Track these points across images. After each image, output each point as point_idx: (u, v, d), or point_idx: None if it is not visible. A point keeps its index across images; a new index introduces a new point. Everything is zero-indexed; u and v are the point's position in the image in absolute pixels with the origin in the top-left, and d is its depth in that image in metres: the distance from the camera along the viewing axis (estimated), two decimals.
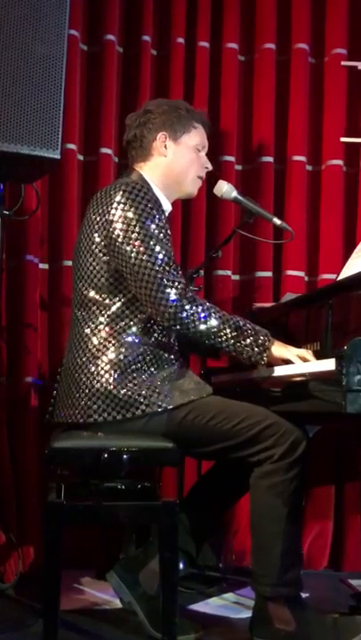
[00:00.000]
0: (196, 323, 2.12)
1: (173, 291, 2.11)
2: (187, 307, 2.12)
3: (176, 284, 2.12)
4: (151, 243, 2.14)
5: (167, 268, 2.13)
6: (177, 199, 2.49)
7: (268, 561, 2.10)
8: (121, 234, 2.16)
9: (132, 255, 2.14)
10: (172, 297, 2.11)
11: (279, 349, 2.15)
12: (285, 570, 2.09)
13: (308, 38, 3.25)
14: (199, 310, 2.13)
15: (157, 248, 2.14)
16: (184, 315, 2.12)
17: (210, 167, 2.47)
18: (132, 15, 3.17)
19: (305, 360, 2.12)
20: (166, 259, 2.14)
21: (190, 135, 2.40)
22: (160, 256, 2.13)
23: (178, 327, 2.13)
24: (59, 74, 2.33)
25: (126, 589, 2.22)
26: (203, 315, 2.13)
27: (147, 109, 2.42)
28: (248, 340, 2.14)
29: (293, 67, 3.24)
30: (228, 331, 2.14)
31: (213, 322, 2.13)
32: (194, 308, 2.12)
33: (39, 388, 2.92)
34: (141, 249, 2.13)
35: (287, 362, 2.13)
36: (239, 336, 2.14)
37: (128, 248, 2.15)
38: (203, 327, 2.13)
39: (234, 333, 2.14)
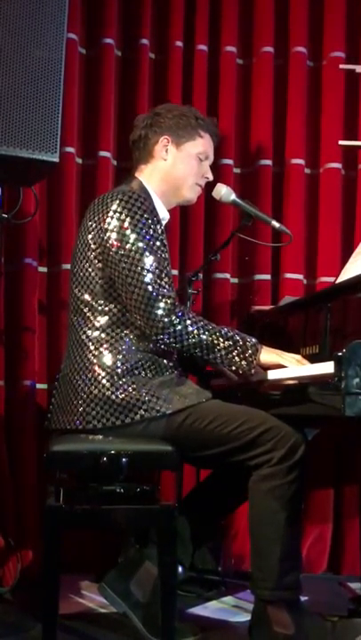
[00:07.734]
0: (184, 337, 2.12)
1: (162, 305, 2.11)
2: (175, 322, 2.11)
3: (165, 298, 2.11)
4: (144, 255, 2.13)
5: (158, 281, 2.12)
6: (175, 205, 2.49)
7: (267, 564, 2.09)
8: (115, 243, 2.15)
9: (125, 266, 2.13)
10: (161, 312, 2.11)
11: (269, 356, 2.15)
12: (285, 573, 2.08)
13: (306, 41, 3.25)
14: (188, 324, 2.12)
15: (150, 260, 2.13)
16: (172, 330, 2.11)
17: (210, 177, 2.47)
18: (130, 18, 3.17)
19: (298, 362, 2.12)
20: (157, 271, 2.13)
21: (194, 143, 2.40)
22: (152, 269, 2.13)
23: (166, 341, 2.13)
24: (57, 77, 2.32)
25: (119, 600, 2.21)
26: (190, 329, 2.12)
27: (156, 112, 2.42)
28: (235, 352, 2.14)
29: (291, 70, 3.24)
30: (216, 342, 2.13)
31: (202, 337, 2.13)
32: (182, 323, 2.11)
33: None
34: (135, 260, 2.13)
35: (282, 366, 2.13)
36: (227, 348, 2.13)
37: (121, 259, 2.14)
38: (191, 341, 2.12)
39: (221, 346, 2.13)
